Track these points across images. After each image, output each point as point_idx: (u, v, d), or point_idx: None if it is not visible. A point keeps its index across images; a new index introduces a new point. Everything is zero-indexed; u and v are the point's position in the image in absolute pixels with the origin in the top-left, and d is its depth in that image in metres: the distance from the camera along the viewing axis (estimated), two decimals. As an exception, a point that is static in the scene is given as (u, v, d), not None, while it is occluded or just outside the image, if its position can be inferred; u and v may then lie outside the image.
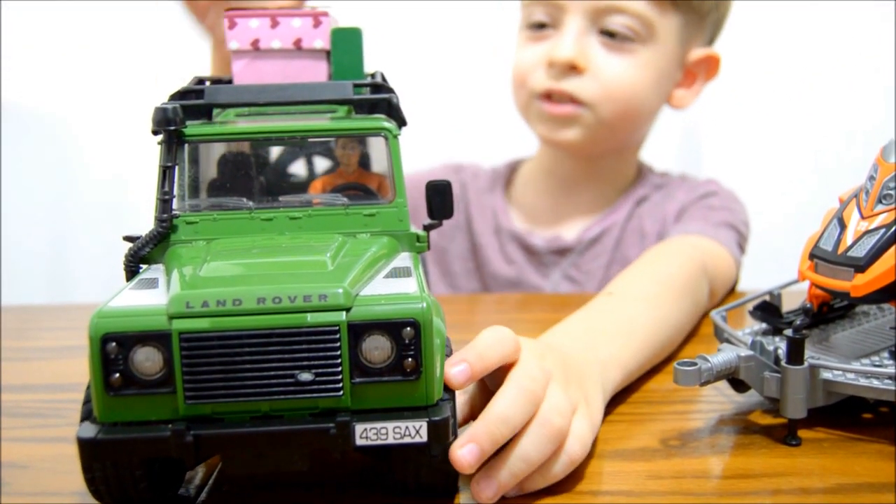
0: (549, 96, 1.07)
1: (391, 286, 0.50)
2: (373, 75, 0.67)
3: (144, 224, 0.58)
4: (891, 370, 0.59)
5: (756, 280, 0.99)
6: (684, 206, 1.11)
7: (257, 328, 0.46)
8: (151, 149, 0.57)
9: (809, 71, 1.69)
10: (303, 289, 0.47)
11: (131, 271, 0.56)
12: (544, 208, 1.18)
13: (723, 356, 0.60)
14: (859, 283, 0.60)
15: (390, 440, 0.47)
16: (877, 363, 0.65)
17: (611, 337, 0.69)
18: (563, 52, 1.04)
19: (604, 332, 0.69)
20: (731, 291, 1.00)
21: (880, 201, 0.62)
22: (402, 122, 0.61)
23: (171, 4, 1.03)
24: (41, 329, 1.01)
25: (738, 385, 0.65)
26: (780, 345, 0.63)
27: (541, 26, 1.09)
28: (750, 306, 0.73)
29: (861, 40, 1.66)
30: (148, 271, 0.55)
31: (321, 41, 0.65)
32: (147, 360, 0.46)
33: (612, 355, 0.67)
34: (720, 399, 0.68)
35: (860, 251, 0.61)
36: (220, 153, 0.63)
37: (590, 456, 0.58)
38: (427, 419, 0.47)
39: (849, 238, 0.62)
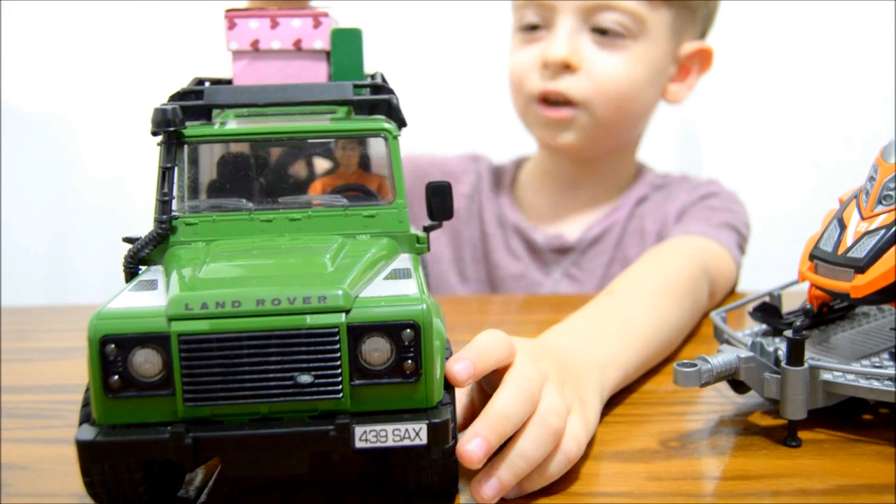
0: (545, 99, 1.08)
1: (391, 288, 0.50)
2: (373, 76, 0.67)
3: (144, 225, 0.58)
4: (891, 371, 0.59)
5: (756, 281, 0.99)
6: (685, 206, 1.11)
7: (256, 330, 0.46)
8: (151, 150, 0.57)
9: (809, 72, 1.69)
10: (302, 290, 0.47)
11: (130, 273, 0.56)
12: (545, 207, 1.19)
13: (723, 357, 0.60)
14: (859, 284, 0.60)
15: (390, 442, 0.47)
16: (877, 364, 0.64)
17: (610, 337, 0.69)
18: (557, 51, 1.05)
19: (603, 333, 0.69)
20: (732, 292, 1.00)
21: (880, 202, 0.62)
22: (402, 123, 0.61)
23: (171, 5, 1.03)
24: (41, 330, 1.01)
25: (738, 386, 0.65)
26: (780, 346, 0.63)
27: (533, 28, 1.09)
28: (750, 307, 0.73)
29: (861, 41, 1.66)
30: (147, 273, 0.55)
31: (321, 42, 0.65)
32: (146, 362, 0.46)
33: (611, 356, 0.67)
34: (720, 400, 0.68)
35: (860, 252, 0.61)
36: (220, 154, 0.63)
37: (589, 457, 0.58)
38: (427, 421, 0.47)
39: (849, 239, 0.62)
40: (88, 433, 0.47)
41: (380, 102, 0.60)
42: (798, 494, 0.54)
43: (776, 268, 0.93)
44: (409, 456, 0.51)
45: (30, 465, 0.61)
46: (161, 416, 0.47)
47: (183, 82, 0.66)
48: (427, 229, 0.59)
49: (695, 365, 0.59)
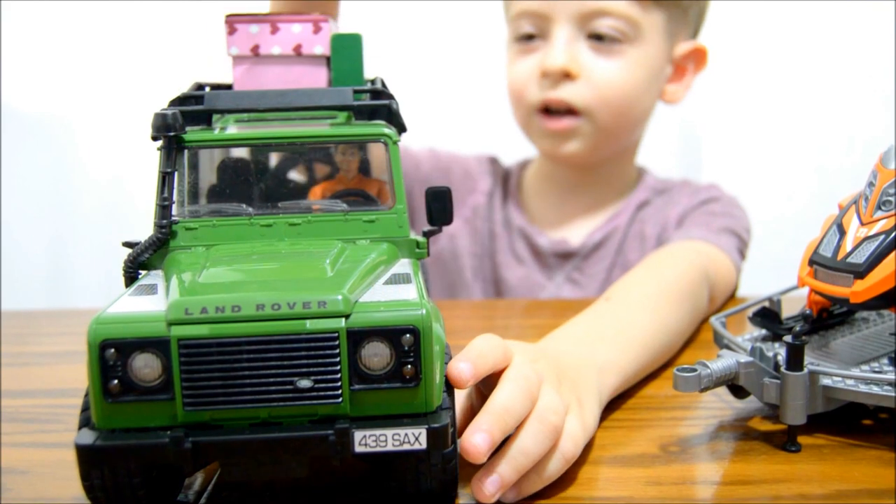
0: (546, 109, 1.08)
1: (391, 293, 0.50)
2: (373, 81, 0.67)
3: (144, 229, 0.58)
4: (890, 376, 0.59)
5: (756, 286, 0.99)
6: (686, 211, 1.11)
7: (256, 335, 0.46)
8: (151, 153, 0.57)
9: (810, 76, 1.69)
10: (302, 295, 0.47)
11: (130, 277, 0.56)
12: (549, 211, 1.19)
13: (722, 362, 0.60)
14: (859, 290, 0.60)
15: (389, 447, 0.47)
16: (876, 369, 0.64)
17: (608, 341, 0.69)
18: (555, 60, 1.05)
19: (602, 337, 0.69)
20: (731, 297, 1.00)
21: (880, 207, 0.62)
22: (401, 128, 0.61)
23: (171, 5, 1.03)
24: (40, 334, 1.00)
25: (738, 391, 0.65)
26: (779, 351, 0.63)
27: (529, 38, 1.10)
28: (749, 312, 0.73)
29: (861, 45, 1.66)
30: (147, 277, 0.55)
31: (321, 47, 0.66)
32: (146, 366, 0.46)
33: (609, 360, 0.67)
34: (720, 405, 0.68)
35: (860, 257, 0.61)
36: (220, 159, 0.63)
37: (588, 462, 0.58)
38: (426, 426, 0.47)
39: (848, 244, 0.62)
40: (88, 437, 0.47)
41: (380, 108, 0.60)
42: (798, 499, 0.54)
43: (776, 272, 0.93)
44: (409, 461, 0.51)
45: (29, 469, 0.61)
46: (161, 420, 0.47)
47: (183, 85, 0.66)
48: (427, 234, 0.59)
49: (694, 370, 0.59)
